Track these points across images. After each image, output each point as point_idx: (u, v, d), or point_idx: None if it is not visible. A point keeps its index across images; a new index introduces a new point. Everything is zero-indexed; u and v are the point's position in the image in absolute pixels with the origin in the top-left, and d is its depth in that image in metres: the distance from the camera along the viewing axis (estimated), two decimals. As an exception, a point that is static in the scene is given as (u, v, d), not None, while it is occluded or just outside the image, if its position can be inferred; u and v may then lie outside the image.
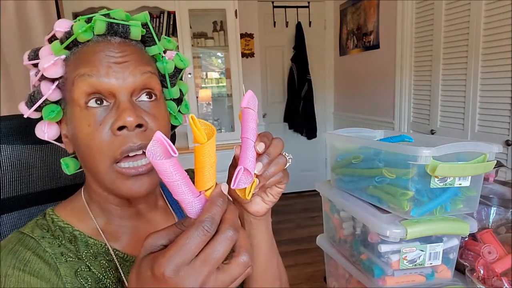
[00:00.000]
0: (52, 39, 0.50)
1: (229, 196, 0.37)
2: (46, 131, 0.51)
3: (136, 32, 0.50)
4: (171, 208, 0.63)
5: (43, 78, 0.49)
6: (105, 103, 0.47)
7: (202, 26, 2.95)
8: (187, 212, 0.33)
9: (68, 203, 0.55)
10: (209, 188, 0.34)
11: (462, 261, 0.74)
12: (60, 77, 0.49)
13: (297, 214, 3.52)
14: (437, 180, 0.65)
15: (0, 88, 1.54)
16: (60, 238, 0.49)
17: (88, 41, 0.48)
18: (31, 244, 0.47)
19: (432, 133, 2.35)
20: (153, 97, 0.50)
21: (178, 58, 0.55)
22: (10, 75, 1.61)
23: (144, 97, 0.49)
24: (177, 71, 0.56)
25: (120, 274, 0.51)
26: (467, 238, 0.75)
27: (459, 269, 0.75)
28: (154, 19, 2.73)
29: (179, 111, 0.60)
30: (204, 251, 0.30)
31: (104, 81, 0.46)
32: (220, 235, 0.31)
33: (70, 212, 0.53)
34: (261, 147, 0.41)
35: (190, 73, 2.73)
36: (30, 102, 0.49)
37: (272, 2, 3.68)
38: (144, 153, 0.46)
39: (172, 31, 2.73)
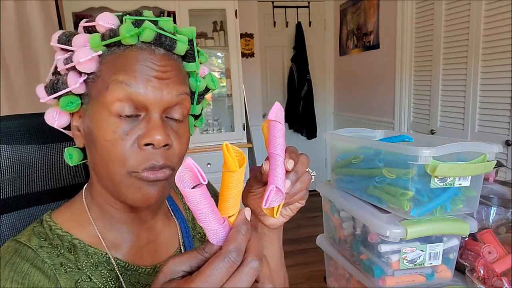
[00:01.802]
0: (89, 29, 0.48)
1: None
2: (56, 119, 0.49)
3: (182, 48, 0.49)
4: (172, 213, 0.62)
5: (72, 68, 0.47)
6: (135, 113, 0.45)
7: (202, 26, 2.95)
8: (210, 238, 0.32)
9: (67, 208, 0.53)
10: (233, 215, 0.34)
11: (462, 261, 0.73)
12: (91, 73, 0.47)
13: (297, 214, 3.46)
14: (437, 180, 0.65)
15: (0, 88, 1.54)
16: (59, 247, 0.48)
17: (131, 45, 0.46)
18: (29, 255, 0.45)
19: (432, 133, 2.35)
20: (182, 118, 0.50)
21: (210, 78, 0.56)
22: (10, 75, 1.61)
23: (174, 116, 0.49)
24: (206, 90, 0.57)
25: (121, 283, 0.50)
26: (467, 238, 0.75)
27: (459, 269, 0.75)
28: (154, 19, 2.72)
29: (194, 125, 0.60)
30: (230, 281, 0.30)
31: (141, 94, 0.44)
32: (246, 266, 0.31)
33: (69, 217, 0.51)
34: (290, 164, 0.41)
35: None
36: (52, 89, 0.47)
37: (272, 2, 3.68)
38: (162, 167, 0.46)
39: (172, 31, 2.73)
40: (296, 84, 3.76)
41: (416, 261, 0.70)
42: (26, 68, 1.67)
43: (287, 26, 3.76)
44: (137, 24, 0.46)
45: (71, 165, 0.53)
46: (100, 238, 0.51)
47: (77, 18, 2.46)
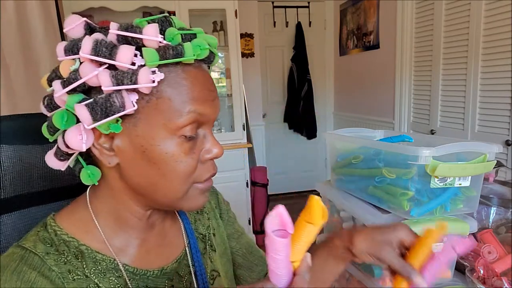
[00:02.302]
0: (127, 39, 0.42)
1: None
2: (84, 140, 0.43)
3: (217, 61, 0.50)
4: (177, 214, 0.62)
5: (130, 90, 0.42)
6: (196, 132, 0.48)
7: (202, 26, 2.92)
8: (274, 280, 0.35)
9: (71, 213, 0.51)
10: (297, 260, 0.36)
11: (462, 261, 0.74)
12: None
13: (297, 214, 3.49)
14: (437, 180, 0.65)
15: (0, 88, 1.54)
16: (66, 254, 0.47)
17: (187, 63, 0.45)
18: (36, 263, 0.44)
19: (432, 133, 2.35)
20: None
21: None
22: (10, 75, 1.61)
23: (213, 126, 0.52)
24: None
25: None
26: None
27: (459, 269, 0.75)
28: (154, 19, 2.72)
29: None
30: None
31: (208, 116, 0.47)
32: None
33: (74, 223, 0.50)
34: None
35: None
36: (104, 113, 0.41)
37: (272, 2, 3.68)
38: (213, 175, 0.51)
39: (172, 31, 2.73)
40: (296, 84, 3.76)
41: (416, 261, 0.70)
42: (26, 68, 1.68)
43: (287, 26, 3.76)
44: (185, 38, 0.45)
45: (94, 183, 0.48)
46: (107, 244, 0.50)
47: (77, 18, 2.46)
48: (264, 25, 3.69)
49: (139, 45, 0.43)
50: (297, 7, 3.74)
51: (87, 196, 0.52)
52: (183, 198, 0.49)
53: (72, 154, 0.47)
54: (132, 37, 0.42)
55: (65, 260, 0.46)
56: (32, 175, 0.59)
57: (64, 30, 0.45)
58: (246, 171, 2.81)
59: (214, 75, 3.18)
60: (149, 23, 0.44)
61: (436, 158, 0.62)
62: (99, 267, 0.48)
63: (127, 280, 0.50)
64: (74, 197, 0.54)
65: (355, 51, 3.35)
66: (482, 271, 0.68)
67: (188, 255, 0.59)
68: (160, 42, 0.43)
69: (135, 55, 0.42)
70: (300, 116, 3.79)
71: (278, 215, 0.33)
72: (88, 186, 0.52)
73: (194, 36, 0.46)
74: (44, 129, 0.47)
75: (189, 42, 0.44)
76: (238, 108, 2.80)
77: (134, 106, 0.42)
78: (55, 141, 0.48)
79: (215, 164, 0.51)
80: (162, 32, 0.44)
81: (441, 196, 0.68)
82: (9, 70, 1.60)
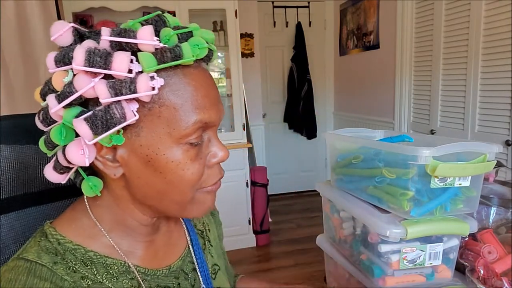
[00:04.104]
0: (121, 45, 0.40)
1: None
2: (87, 155, 0.41)
3: (215, 57, 0.48)
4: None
5: (130, 100, 0.40)
6: (201, 137, 0.46)
7: (202, 26, 2.91)
8: None
9: (71, 221, 0.49)
10: None
11: (462, 261, 0.73)
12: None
13: (297, 214, 3.51)
14: (437, 180, 0.65)
15: (0, 88, 1.54)
16: (74, 262, 0.45)
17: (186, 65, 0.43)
18: (45, 274, 0.42)
19: (432, 133, 2.35)
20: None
21: None
22: (10, 75, 1.61)
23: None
24: None
25: None
26: (467, 238, 0.75)
27: (459, 269, 0.75)
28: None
29: None
30: None
31: (213, 121, 0.46)
32: None
33: (77, 230, 0.48)
34: None
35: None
36: (105, 127, 0.39)
37: (272, 2, 3.68)
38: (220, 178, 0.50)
39: (172, 31, 2.73)
40: (296, 84, 3.76)
41: (416, 261, 0.70)
42: (26, 68, 1.68)
43: (287, 26, 3.76)
44: (182, 38, 0.43)
45: (97, 194, 0.46)
46: (116, 248, 0.49)
47: (77, 18, 2.46)
48: (264, 25, 3.69)
49: (134, 50, 0.40)
50: (297, 7, 3.74)
51: (86, 203, 0.49)
52: (190, 204, 0.48)
53: (73, 166, 0.44)
54: (126, 43, 0.40)
55: (74, 269, 0.45)
56: (29, 176, 0.59)
57: (51, 39, 0.42)
58: (246, 171, 2.81)
59: (214, 75, 3.18)
60: (142, 24, 0.42)
61: (436, 158, 0.62)
62: (111, 271, 0.47)
63: (141, 281, 0.49)
64: (72, 198, 0.54)
65: (355, 51, 3.35)
66: (482, 271, 0.68)
67: (192, 251, 0.59)
68: (157, 45, 0.40)
69: (131, 61, 0.39)
70: (300, 116, 3.79)
71: None
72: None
73: (190, 34, 0.44)
74: (42, 144, 0.45)
75: (186, 42, 0.42)
76: (238, 108, 2.80)
77: (135, 115, 0.40)
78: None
79: (221, 168, 0.50)
80: (157, 32, 0.42)
81: (441, 196, 0.68)
82: (9, 70, 1.60)
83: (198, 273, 0.58)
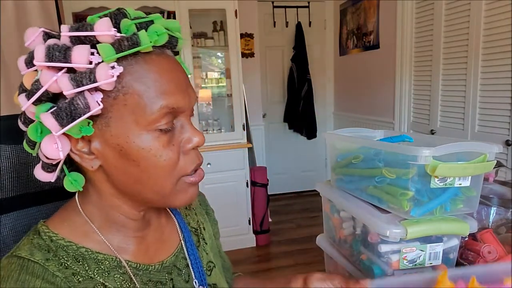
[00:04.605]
0: (80, 39, 0.41)
1: None
2: (60, 148, 0.42)
3: (181, 44, 0.48)
4: (170, 211, 0.63)
5: (93, 89, 0.42)
6: (172, 124, 0.46)
7: (202, 26, 2.95)
8: None
9: (63, 219, 0.50)
10: None
11: (462, 261, 0.73)
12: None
13: (297, 214, 3.52)
14: (437, 180, 0.65)
15: (0, 88, 1.54)
16: (66, 259, 0.46)
17: (147, 52, 0.44)
18: (37, 270, 0.43)
19: (432, 133, 2.35)
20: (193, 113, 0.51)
21: (184, 66, 0.55)
22: (10, 75, 1.61)
23: (191, 113, 0.50)
24: None
25: (135, 284, 0.50)
26: (467, 238, 0.75)
27: (459, 269, 0.75)
28: (154, 19, 2.72)
29: None
30: None
31: (182, 106, 0.46)
32: None
33: (69, 227, 0.49)
34: None
35: (190, 73, 2.72)
36: (70, 117, 0.40)
37: (272, 2, 3.68)
38: (199, 165, 0.50)
39: (172, 31, 2.73)
40: (296, 84, 3.76)
41: (416, 261, 0.70)
42: (26, 68, 1.67)
43: (287, 26, 3.76)
44: (141, 27, 0.44)
45: (79, 189, 0.48)
46: (108, 244, 0.50)
47: (77, 18, 2.46)
48: (264, 25, 3.69)
49: (94, 43, 0.41)
50: (297, 7, 3.74)
51: (77, 201, 0.51)
52: (173, 193, 0.48)
53: (58, 164, 0.46)
54: (85, 36, 0.41)
55: (66, 265, 0.46)
56: (30, 176, 0.59)
57: (25, 45, 0.44)
58: (246, 171, 2.81)
59: (214, 75, 3.18)
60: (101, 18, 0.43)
61: (436, 158, 0.62)
62: (102, 266, 0.48)
63: (132, 276, 0.50)
64: (72, 197, 0.54)
65: (355, 51, 3.35)
66: (482, 271, 0.68)
67: (184, 248, 0.60)
68: (114, 35, 0.41)
69: (92, 54, 0.41)
70: (300, 116, 3.79)
71: None
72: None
73: (151, 23, 0.45)
74: (25, 145, 0.47)
75: (143, 30, 0.43)
76: (238, 108, 2.80)
77: (99, 105, 0.41)
78: None
79: (199, 154, 0.50)
80: (117, 25, 0.43)
81: (441, 196, 0.68)
82: (9, 70, 1.60)
83: (191, 269, 0.58)
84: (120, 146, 0.44)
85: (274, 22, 3.73)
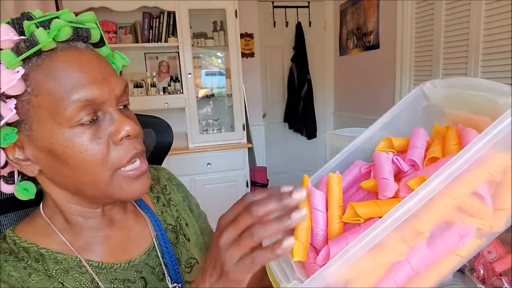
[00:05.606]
0: None
1: None
2: None
3: (96, 35, 0.48)
4: (140, 210, 0.62)
5: (5, 97, 0.42)
6: (95, 116, 0.45)
7: (202, 26, 2.95)
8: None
9: (28, 223, 0.52)
10: None
11: (462, 261, 0.73)
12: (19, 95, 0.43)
13: (297, 214, 3.50)
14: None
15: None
16: (26, 259, 0.48)
17: (51, 49, 0.43)
18: None
19: (432, 133, 2.35)
20: (128, 102, 0.51)
21: (120, 56, 0.54)
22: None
23: (124, 103, 0.49)
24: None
25: (98, 283, 0.51)
26: (467, 238, 0.75)
27: (459, 269, 0.75)
28: (154, 19, 2.73)
29: None
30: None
31: (99, 98, 0.44)
32: None
33: (33, 230, 0.51)
34: None
35: (190, 73, 2.73)
36: None
37: (272, 2, 3.68)
38: (136, 155, 0.48)
39: (172, 31, 2.73)
40: (296, 84, 3.76)
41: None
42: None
43: (287, 26, 3.76)
44: (42, 26, 0.43)
45: (31, 197, 0.50)
46: (68, 244, 0.51)
47: (77, 18, 2.46)
48: (264, 25, 3.69)
49: None
50: (297, 7, 3.74)
51: (40, 207, 0.53)
52: (112, 187, 0.47)
53: (13, 175, 0.48)
54: None
55: (25, 265, 0.47)
56: (32, 175, 0.59)
57: None
58: (246, 171, 2.81)
59: (214, 75, 3.19)
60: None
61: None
62: (61, 266, 0.49)
63: (93, 275, 0.51)
64: None
65: (355, 51, 3.35)
66: (482, 271, 0.68)
67: (157, 247, 0.60)
68: (12, 39, 0.41)
69: None
70: (300, 116, 3.79)
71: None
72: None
73: (56, 19, 0.44)
74: None
75: (41, 28, 0.42)
76: (238, 108, 2.80)
77: (12, 111, 0.42)
78: None
79: (138, 143, 0.49)
80: (22, 29, 0.43)
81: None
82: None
83: (163, 266, 0.58)
84: (48, 148, 0.44)
85: (274, 22, 3.73)
